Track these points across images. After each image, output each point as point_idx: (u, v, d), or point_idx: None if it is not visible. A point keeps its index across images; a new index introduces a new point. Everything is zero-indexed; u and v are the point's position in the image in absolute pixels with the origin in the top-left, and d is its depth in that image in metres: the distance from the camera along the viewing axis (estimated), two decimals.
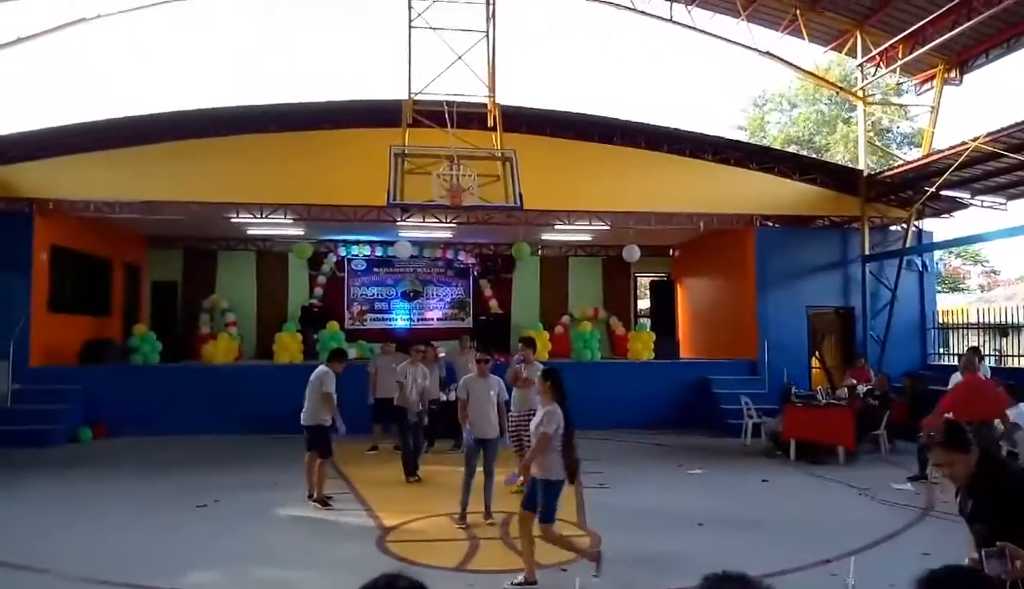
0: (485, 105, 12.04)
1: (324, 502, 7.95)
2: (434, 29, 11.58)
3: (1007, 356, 14.39)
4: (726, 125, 37.36)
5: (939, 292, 18.59)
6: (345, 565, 5.86)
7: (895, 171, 14.27)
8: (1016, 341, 14.36)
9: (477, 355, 8.04)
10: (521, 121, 13.37)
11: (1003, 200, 14.46)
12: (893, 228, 15.35)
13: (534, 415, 8.52)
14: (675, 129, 14.38)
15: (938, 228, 16.01)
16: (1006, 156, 11.87)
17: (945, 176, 12.82)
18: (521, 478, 5.91)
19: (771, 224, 15.14)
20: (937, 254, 18.29)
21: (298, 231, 15.96)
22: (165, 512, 7.70)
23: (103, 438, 12.43)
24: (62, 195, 12.97)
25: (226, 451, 11.42)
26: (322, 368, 8.20)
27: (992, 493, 2.94)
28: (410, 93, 11.59)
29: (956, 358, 13.63)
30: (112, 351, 13.94)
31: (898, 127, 29.55)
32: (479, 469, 7.36)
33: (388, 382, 10.67)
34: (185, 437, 12.29)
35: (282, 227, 15.31)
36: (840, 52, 15.63)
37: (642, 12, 15.00)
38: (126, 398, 12.82)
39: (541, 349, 13.97)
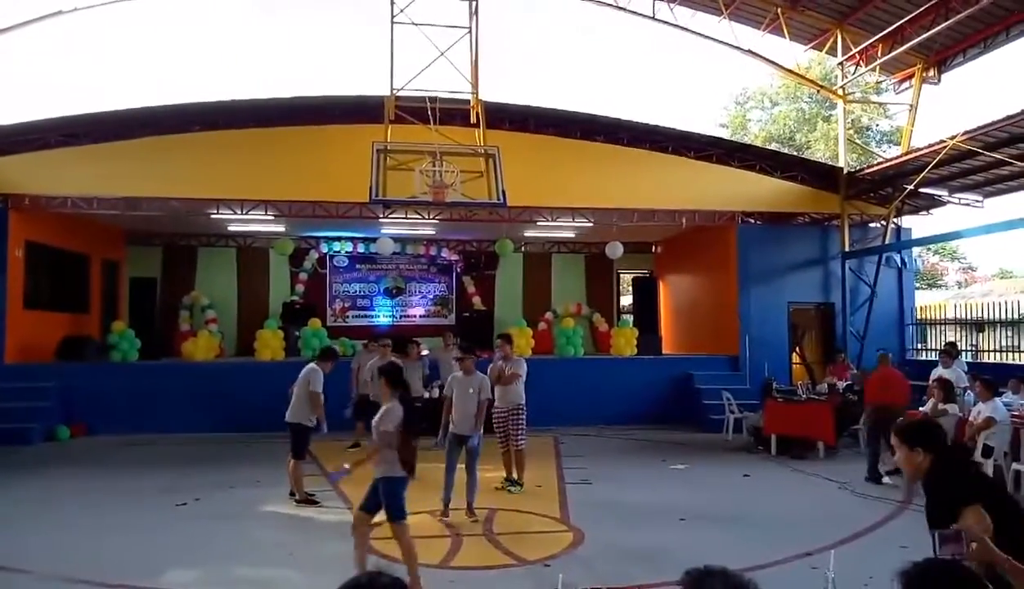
0: (468, 101, 12.01)
1: (307, 500, 7.90)
2: (417, 25, 11.54)
3: (983, 351, 14.61)
4: (708, 122, 37.54)
5: (917, 288, 18.81)
6: (327, 563, 5.82)
7: (874, 169, 14.43)
8: (992, 336, 14.58)
9: (456, 353, 7.97)
10: (504, 117, 13.36)
11: (980, 198, 14.67)
12: (872, 225, 15.51)
13: (520, 410, 8.59)
14: (657, 126, 14.42)
15: (916, 225, 16.23)
16: (982, 154, 12.04)
17: (923, 174, 12.97)
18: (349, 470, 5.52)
19: (752, 221, 15.24)
20: (915, 251, 18.53)
21: (279, 227, 15.84)
22: (145, 511, 7.61)
23: (81, 436, 12.27)
24: (38, 190, 12.79)
25: (207, 449, 11.31)
26: (310, 366, 8.13)
27: (940, 497, 2.99)
28: (392, 89, 11.55)
29: (934, 353, 13.82)
30: (90, 348, 13.76)
31: (877, 125, 29.92)
32: (460, 466, 7.35)
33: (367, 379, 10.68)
34: (165, 435, 12.17)
35: (263, 223, 15.18)
36: (820, 51, 15.77)
37: (625, 9, 15.04)
38: (105, 396, 12.66)
39: (524, 346, 13.98)
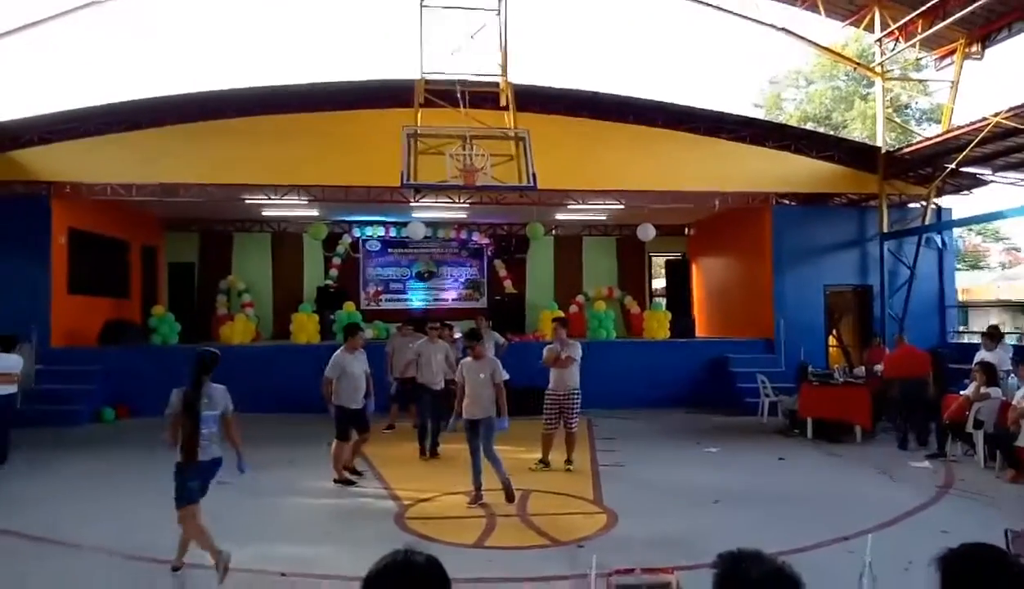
0: (497, 84, 11.97)
1: (345, 481, 8.02)
2: (446, 8, 11.50)
3: None
4: (742, 103, 36.93)
5: (959, 269, 18.40)
6: (364, 542, 5.92)
7: (914, 148, 14.09)
8: None
9: (463, 339, 7.88)
10: (534, 100, 13.28)
11: None
12: (912, 205, 15.18)
13: (576, 393, 8.62)
14: (690, 107, 14.24)
15: (957, 205, 15.85)
16: None
17: (965, 152, 12.64)
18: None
19: (788, 202, 15.00)
20: (957, 231, 18.09)
21: (312, 212, 16.01)
22: None
23: (125, 418, 12.61)
24: (79, 178, 13.08)
25: (244, 430, 11.36)
26: (337, 352, 8.21)
27: None
28: (422, 73, 11.54)
29: (977, 336, 13.52)
30: (132, 332, 14.09)
31: (917, 103, 29.03)
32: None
33: (405, 362, 10.78)
34: None
35: (297, 208, 15.38)
36: (858, 27, 15.36)
37: None
38: (146, 378, 12.94)
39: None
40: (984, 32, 13.67)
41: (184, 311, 15.11)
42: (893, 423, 10.51)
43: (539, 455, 8.86)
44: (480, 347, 7.57)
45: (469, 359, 7.56)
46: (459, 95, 11.43)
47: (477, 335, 7.95)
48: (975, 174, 14.42)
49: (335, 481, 8.02)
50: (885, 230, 14.55)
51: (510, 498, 7.06)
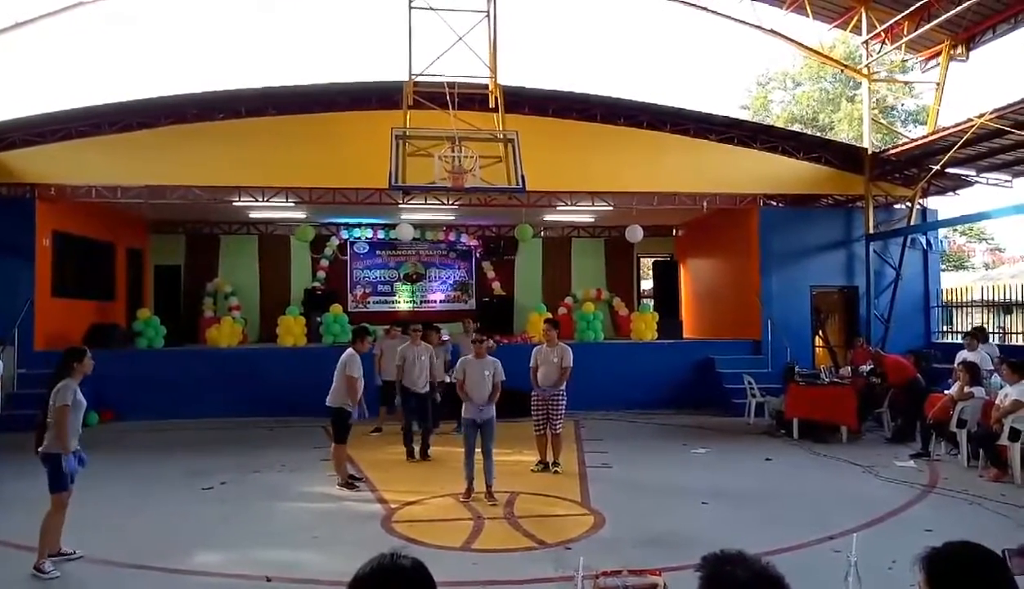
0: (487, 86, 11.96)
1: (349, 484, 7.96)
2: (434, 9, 11.48)
3: (1011, 333, 14.38)
4: (730, 105, 37.08)
5: (943, 270, 18.53)
6: (351, 545, 5.89)
7: (900, 149, 14.18)
8: (1020, 318, 14.32)
9: (473, 335, 8.04)
10: (523, 102, 13.31)
11: (1008, 177, 14.37)
12: (897, 206, 15.27)
13: (562, 395, 8.62)
14: (678, 109, 14.28)
15: (943, 206, 15.96)
16: (1012, 133, 11.78)
17: (950, 154, 12.74)
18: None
19: (775, 203, 15.07)
20: (941, 232, 18.22)
21: (300, 214, 15.95)
22: (172, 495, 7.76)
23: (109, 422, 12.49)
24: (63, 180, 12.97)
25: (232, 434, 11.47)
26: (348, 351, 8.19)
27: None
28: (411, 74, 11.52)
29: (960, 336, 13.62)
30: (117, 335, 13.97)
31: (903, 105, 29.35)
32: (478, 449, 7.39)
33: (393, 365, 10.74)
34: (191, 420, 12.35)
35: (284, 210, 15.30)
36: (845, 29, 15.47)
37: None
38: (132, 382, 12.85)
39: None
40: (969, 34, 13.79)
41: (170, 314, 15.00)
42: (893, 421, 11.03)
43: (529, 457, 8.85)
44: (484, 346, 7.66)
45: (471, 357, 7.60)
46: (448, 97, 11.41)
47: (486, 333, 8.03)
48: (960, 175, 14.54)
49: (340, 484, 7.90)
50: (871, 231, 14.64)
51: (491, 498, 7.22)
